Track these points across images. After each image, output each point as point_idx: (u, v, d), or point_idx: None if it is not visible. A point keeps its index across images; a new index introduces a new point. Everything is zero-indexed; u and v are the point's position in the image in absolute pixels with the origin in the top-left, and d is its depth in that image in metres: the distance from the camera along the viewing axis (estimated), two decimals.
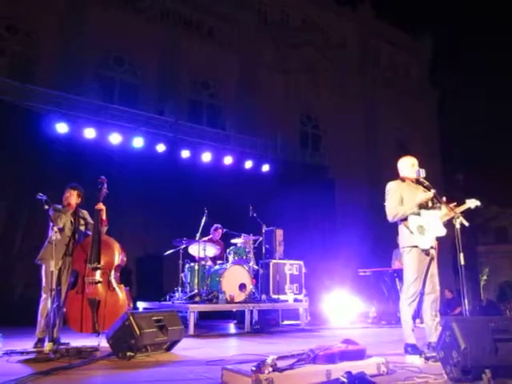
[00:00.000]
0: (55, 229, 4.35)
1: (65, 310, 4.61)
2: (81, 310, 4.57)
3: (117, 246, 4.91)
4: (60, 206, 4.78)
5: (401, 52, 20.96)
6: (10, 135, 7.49)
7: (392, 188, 4.20)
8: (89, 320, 4.54)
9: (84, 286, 4.65)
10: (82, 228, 4.92)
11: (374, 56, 19.96)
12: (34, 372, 3.25)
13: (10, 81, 10.57)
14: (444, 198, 4.02)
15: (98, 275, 4.68)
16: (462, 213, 3.89)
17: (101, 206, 4.88)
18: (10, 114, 7.77)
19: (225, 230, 7.67)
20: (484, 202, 4.03)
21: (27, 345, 4.37)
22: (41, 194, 4.46)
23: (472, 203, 4.01)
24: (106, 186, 5.03)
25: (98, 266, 4.70)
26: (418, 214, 4.00)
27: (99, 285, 4.67)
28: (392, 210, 4.10)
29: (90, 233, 4.94)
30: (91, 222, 4.95)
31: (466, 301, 3.74)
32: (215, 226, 7.79)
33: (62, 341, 4.53)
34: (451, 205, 4.00)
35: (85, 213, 4.99)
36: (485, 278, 22.66)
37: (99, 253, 4.74)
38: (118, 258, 4.86)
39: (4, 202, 7.44)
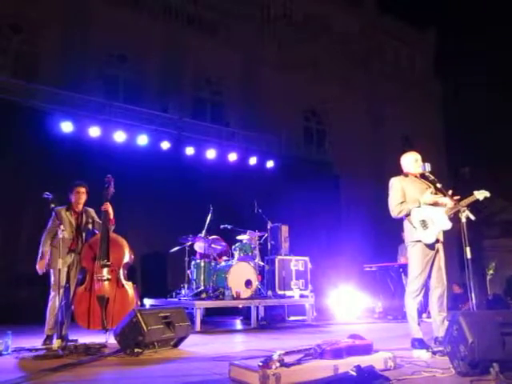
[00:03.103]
0: (62, 227, 4.38)
1: (73, 307, 4.65)
2: (88, 306, 4.60)
3: (125, 244, 4.95)
4: (62, 208, 4.75)
5: (405, 46, 20.82)
6: (14, 134, 7.52)
7: (394, 184, 4.19)
8: (97, 316, 4.58)
9: (92, 283, 4.69)
10: (90, 226, 4.94)
11: (378, 50, 19.84)
12: (43, 369, 3.28)
13: (13, 80, 10.62)
14: (450, 192, 4.00)
15: (107, 273, 4.72)
16: (468, 206, 3.87)
17: (108, 206, 4.90)
18: (15, 113, 7.79)
19: (229, 226, 7.63)
20: (490, 195, 3.99)
21: (36, 342, 4.41)
22: (47, 192, 4.49)
23: (480, 195, 3.94)
24: (112, 184, 5.05)
25: (108, 263, 4.73)
26: (419, 206, 4.00)
27: (108, 282, 4.71)
28: (395, 208, 4.10)
29: (97, 231, 4.97)
30: (98, 220, 4.98)
31: (473, 295, 3.73)
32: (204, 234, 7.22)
33: (71, 338, 4.56)
34: (456, 198, 3.97)
35: (91, 211, 5.01)
36: (491, 272, 22.52)
37: (108, 250, 4.77)
38: (127, 255, 4.91)
39: (9, 200, 7.47)
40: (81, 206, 4.89)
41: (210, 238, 7.22)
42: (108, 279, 4.71)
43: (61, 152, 7.56)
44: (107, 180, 5.06)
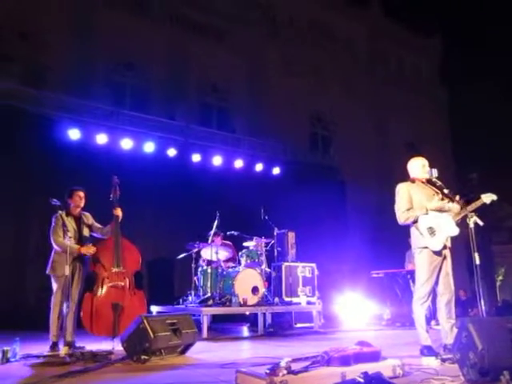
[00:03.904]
0: (69, 234, 4.40)
1: (80, 313, 4.65)
2: (95, 312, 4.60)
3: (137, 251, 4.97)
4: (62, 213, 4.67)
5: (410, 51, 20.82)
6: (22, 141, 7.58)
7: (401, 190, 4.15)
8: (105, 323, 4.57)
9: (102, 289, 4.69)
10: (86, 232, 4.85)
11: (383, 56, 19.86)
12: (50, 376, 3.28)
13: (22, 87, 10.72)
14: (457, 197, 3.97)
15: (121, 279, 4.73)
16: (475, 212, 3.84)
17: (119, 211, 4.91)
18: (23, 120, 7.88)
19: (236, 233, 7.63)
20: (498, 200, 3.95)
21: (43, 348, 4.41)
22: (55, 199, 4.50)
23: (487, 198, 3.89)
24: (118, 187, 5.04)
25: (123, 270, 4.74)
26: (427, 213, 3.97)
27: (122, 289, 4.71)
28: (402, 215, 4.06)
29: (96, 235, 4.94)
30: (97, 225, 4.94)
31: (482, 301, 3.69)
32: (214, 231, 7.40)
33: (78, 345, 4.56)
34: (463, 200, 3.94)
35: (88, 216, 4.95)
36: (500, 278, 22.30)
37: (121, 257, 4.78)
38: (139, 262, 4.92)
39: (17, 207, 7.53)
40: (79, 210, 4.87)
41: (222, 241, 7.21)
42: (122, 286, 4.71)
43: (68, 159, 7.60)
44: (114, 183, 5.05)
